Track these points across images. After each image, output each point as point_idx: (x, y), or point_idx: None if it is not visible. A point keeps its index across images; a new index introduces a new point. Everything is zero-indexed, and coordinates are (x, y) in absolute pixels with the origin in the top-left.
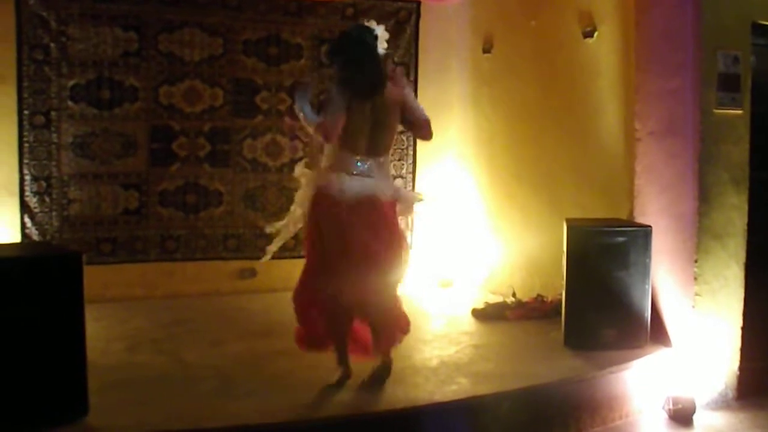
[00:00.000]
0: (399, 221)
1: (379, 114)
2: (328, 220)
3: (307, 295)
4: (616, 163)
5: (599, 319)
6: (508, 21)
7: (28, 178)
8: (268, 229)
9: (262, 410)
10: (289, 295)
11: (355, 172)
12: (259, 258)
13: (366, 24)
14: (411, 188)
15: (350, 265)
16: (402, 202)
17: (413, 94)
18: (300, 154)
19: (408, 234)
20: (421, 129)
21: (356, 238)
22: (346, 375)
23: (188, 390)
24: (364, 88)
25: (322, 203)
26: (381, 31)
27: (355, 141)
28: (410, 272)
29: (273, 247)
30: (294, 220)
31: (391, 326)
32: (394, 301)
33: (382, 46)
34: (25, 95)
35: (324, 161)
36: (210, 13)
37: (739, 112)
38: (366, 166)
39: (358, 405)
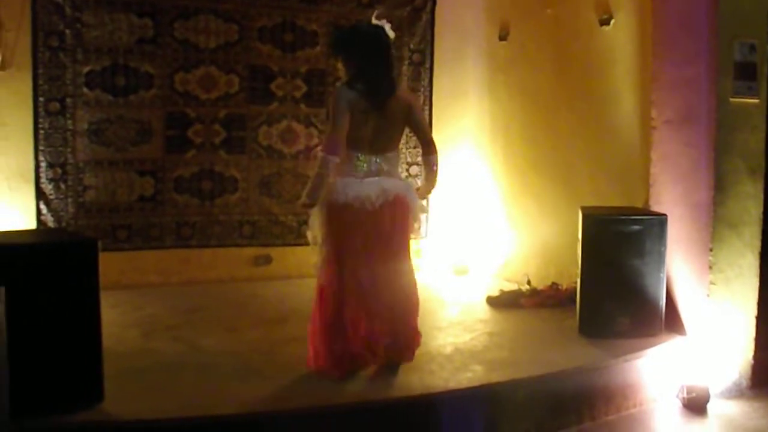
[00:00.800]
0: (405, 221)
1: (388, 112)
2: (343, 226)
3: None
4: (632, 152)
5: (614, 308)
6: (524, 8)
7: (43, 164)
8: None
9: (277, 397)
10: (305, 281)
11: (362, 172)
12: (274, 245)
13: (376, 22)
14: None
15: (367, 265)
16: (411, 198)
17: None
18: (315, 141)
19: (420, 226)
20: (427, 143)
21: (370, 240)
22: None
23: (204, 377)
24: (378, 92)
25: (337, 213)
26: (388, 29)
27: (362, 139)
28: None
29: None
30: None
31: (409, 335)
32: (413, 299)
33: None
34: (41, 82)
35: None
36: None
37: (756, 101)
38: (373, 164)
39: (372, 392)
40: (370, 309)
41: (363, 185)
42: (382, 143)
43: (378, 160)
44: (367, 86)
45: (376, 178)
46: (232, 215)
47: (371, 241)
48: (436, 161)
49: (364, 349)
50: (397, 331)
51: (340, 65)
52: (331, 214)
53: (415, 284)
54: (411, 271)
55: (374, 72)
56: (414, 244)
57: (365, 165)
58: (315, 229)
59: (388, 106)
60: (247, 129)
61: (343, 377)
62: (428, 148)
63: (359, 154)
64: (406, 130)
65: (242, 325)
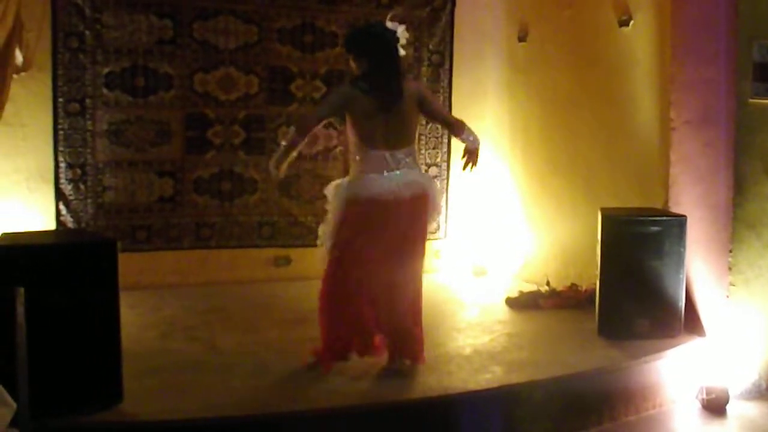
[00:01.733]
0: (425, 216)
1: (398, 109)
2: (357, 220)
3: (336, 295)
4: (651, 153)
5: (633, 309)
6: (543, 9)
7: (63, 165)
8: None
9: (295, 397)
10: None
11: (383, 167)
12: (293, 246)
13: (389, 24)
14: (445, 176)
15: (378, 261)
16: (433, 191)
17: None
18: (334, 142)
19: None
20: (451, 125)
21: (383, 235)
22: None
23: (222, 377)
24: (386, 92)
25: (359, 208)
26: (401, 31)
27: (375, 137)
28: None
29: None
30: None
31: (413, 337)
32: (418, 299)
33: (401, 47)
34: (60, 83)
35: (352, 161)
36: (245, 0)
37: None
38: (392, 159)
39: (391, 393)
40: (374, 303)
41: (385, 179)
42: (397, 139)
43: (396, 154)
44: (375, 86)
45: (398, 171)
46: (252, 216)
47: (389, 234)
48: (471, 132)
49: (360, 339)
50: (398, 329)
51: (352, 63)
52: (353, 209)
53: (420, 285)
54: (420, 273)
55: (382, 72)
56: (432, 245)
57: (384, 160)
58: (329, 223)
59: (398, 104)
60: (266, 130)
61: (329, 369)
62: (455, 128)
63: (376, 151)
64: (417, 132)
65: (261, 326)
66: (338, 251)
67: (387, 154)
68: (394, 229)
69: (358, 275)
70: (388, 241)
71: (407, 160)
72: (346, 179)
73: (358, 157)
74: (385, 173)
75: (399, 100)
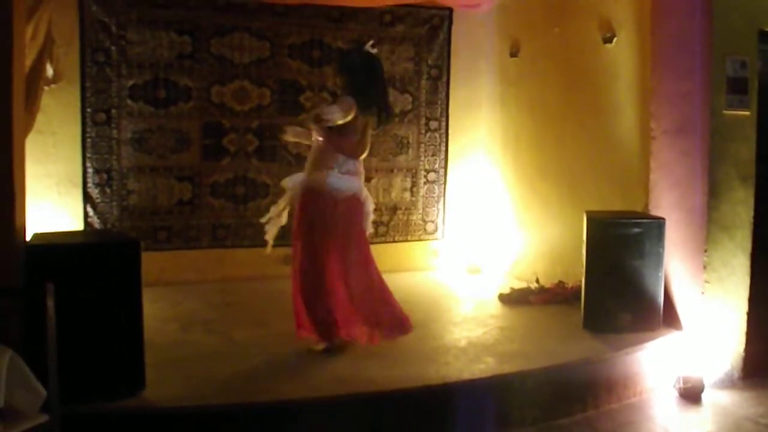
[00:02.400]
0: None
1: (364, 127)
2: (317, 211)
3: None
4: (633, 160)
5: (616, 304)
6: (534, 27)
7: (90, 170)
8: (263, 220)
9: (304, 385)
10: None
11: (342, 171)
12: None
13: (374, 51)
14: (442, 181)
15: (334, 250)
16: (365, 198)
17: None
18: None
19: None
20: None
21: (337, 227)
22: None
23: (237, 366)
24: (379, 113)
25: (313, 198)
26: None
27: (348, 145)
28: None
29: (269, 237)
30: (279, 212)
31: (384, 315)
32: (381, 293)
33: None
34: (88, 94)
35: (314, 161)
36: (258, 18)
37: (747, 113)
38: (345, 165)
39: (392, 381)
40: (334, 286)
41: (339, 179)
42: (359, 150)
43: (350, 162)
44: (371, 104)
45: (351, 177)
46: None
47: (337, 227)
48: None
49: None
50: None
51: (339, 81)
52: (308, 197)
53: (374, 272)
54: (368, 261)
55: (378, 93)
56: (430, 245)
57: (340, 164)
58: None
59: (366, 123)
60: (277, 138)
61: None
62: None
63: (341, 156)
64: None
65: (272, 319)
66: (301, 241)
67: (345, 160)
68: (335, 224)
69: (320, 263)
70: (335, 233)
71: (356, 168)
72: (300, 174)
73: (319, 156)
74: (333, 174)
75: (390, 119)
